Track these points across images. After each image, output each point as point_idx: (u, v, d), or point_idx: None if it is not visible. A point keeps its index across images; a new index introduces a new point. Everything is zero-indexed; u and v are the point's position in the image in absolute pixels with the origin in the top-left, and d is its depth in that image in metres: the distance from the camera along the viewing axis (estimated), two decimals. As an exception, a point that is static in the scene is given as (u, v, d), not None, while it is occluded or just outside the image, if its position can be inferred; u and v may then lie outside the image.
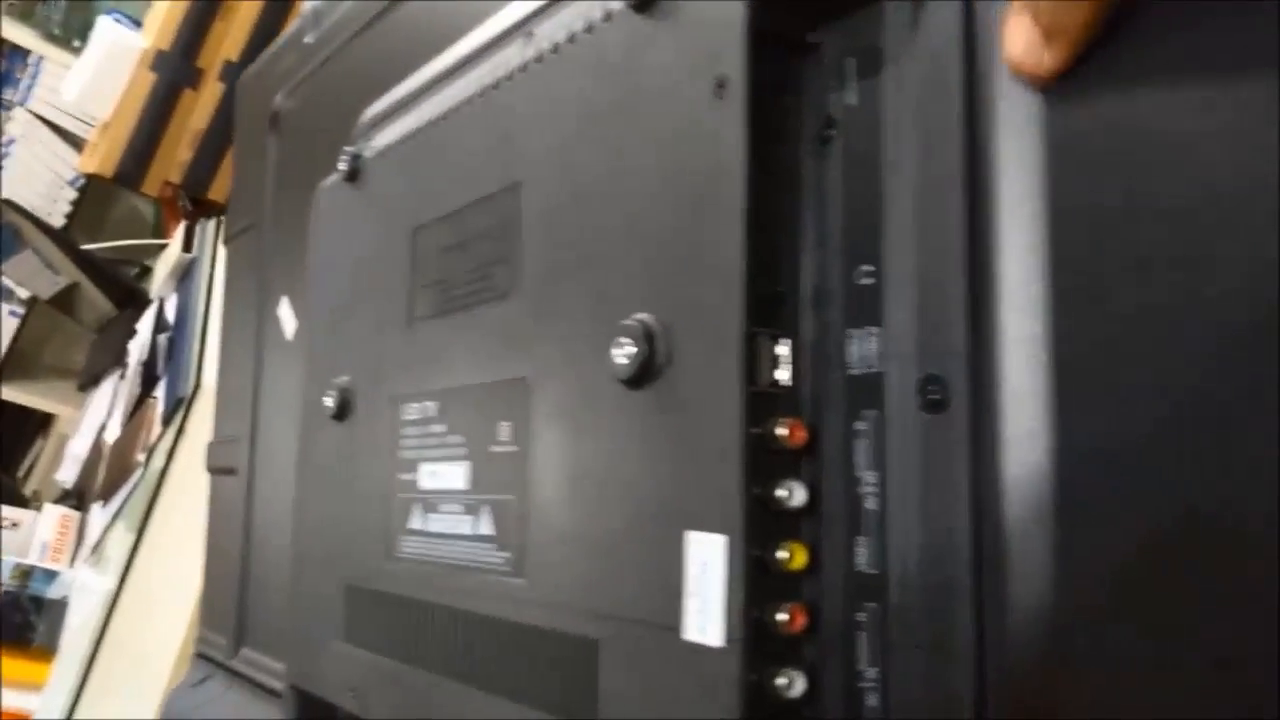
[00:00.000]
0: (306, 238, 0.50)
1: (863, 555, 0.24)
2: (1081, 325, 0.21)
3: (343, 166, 0.45)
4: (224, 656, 0.63)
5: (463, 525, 0.35)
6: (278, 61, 0.71)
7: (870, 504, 0.24)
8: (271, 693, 0.56)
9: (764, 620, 0.25)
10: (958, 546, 0.22)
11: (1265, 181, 0.20)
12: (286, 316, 0.61)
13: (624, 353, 0.28)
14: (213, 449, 0.72)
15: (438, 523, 0.36)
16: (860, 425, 0.25)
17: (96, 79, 1.59)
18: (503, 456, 0.33)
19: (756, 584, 0.24)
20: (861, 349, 0.25)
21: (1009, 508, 0.22)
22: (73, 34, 1.94)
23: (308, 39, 0.66)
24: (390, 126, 0.44)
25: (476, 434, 0.35)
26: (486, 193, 0.35)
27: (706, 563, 0.25)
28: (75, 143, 1.90)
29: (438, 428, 0.37)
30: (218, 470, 0.70)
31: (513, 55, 0.35)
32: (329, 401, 0.44)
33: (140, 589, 1.29)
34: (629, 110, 0.29)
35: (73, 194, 1.97)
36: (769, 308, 0.26)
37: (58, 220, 1.96)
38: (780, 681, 0.24)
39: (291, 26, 0.70)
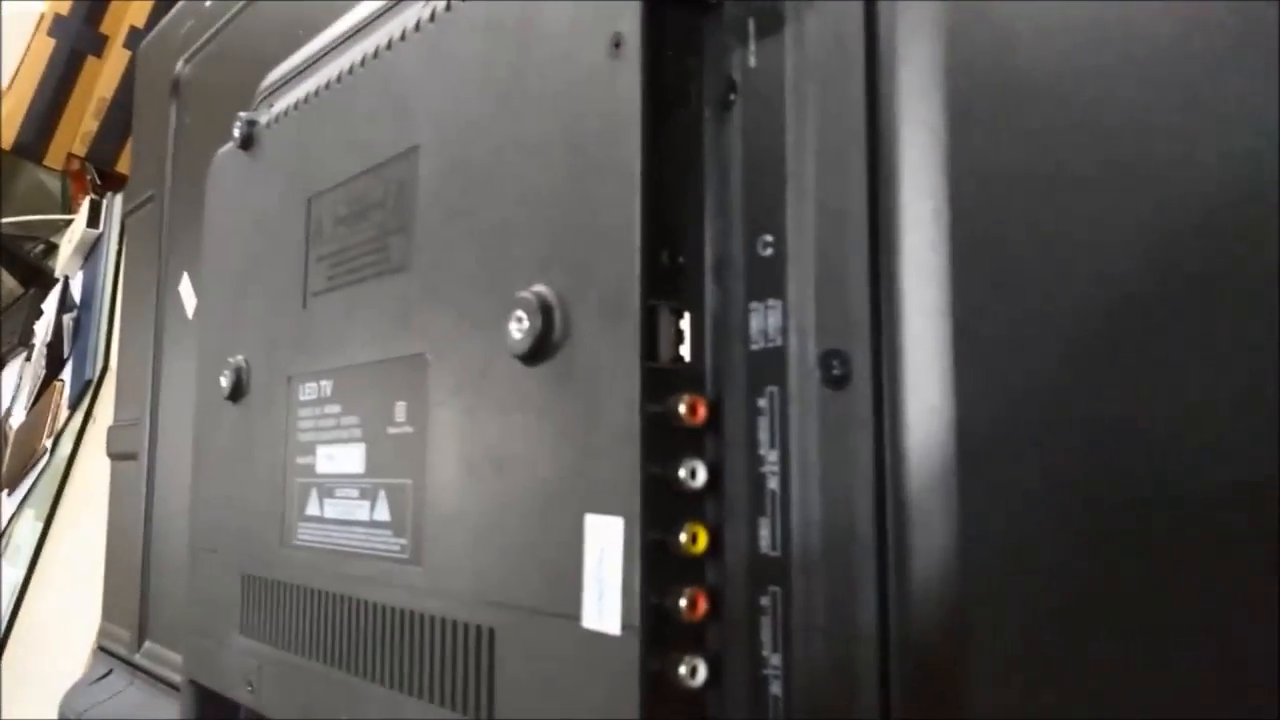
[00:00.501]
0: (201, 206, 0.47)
1: (765, 537, 0.23)
2: (984, 296, 0.21)
3: (237, 133, 0.43)
4: (126, 651, 0.61)
5: (359, 511, 0.33)
6: (178, 26, 0.67)
7: (772, 484, 0.23)
8: (173, 687, 0.54)
9: (664, 606, 0.23)
10: (860, 526, 0.21)
11: (1165, 141, 0.20)
12: (187, 294, 0.58)
13: (520, 327, 0.26)
14: (113, 434, 0.68)
15: (334, 508, 0.35)
16: (762, 402, 0.24)
17: None
18: (399, 438, 0.32)
19: (656, 568, 0.23)
20: (762, 323, 0.24)
21: (912, 484, 0.21)
22: (-35, -2, 1.84)
23: (208, 3, 0.63)
24: (288, 92, 0.42)
25: (373, 415, 0.33)
26: (383, 158, 0.34)
27: (605, 547, 0.24)
28: (-32, 117, 1.81)
29: (333, 408, 0.35)
30: (118, 456, 0.67)
31: (409, 15, 0.33)
32: (224, 381, 0.42)
33: (49, 579, 1.25)
34: (525, 70, 0.27)
35: (-33, 168, 1.87)
36: (669, 279, 0.25)
37: (-46, 195, 1.86)
38: (682, 670, 0.23)
39: (192, -11, 0.66)
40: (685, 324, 0.25)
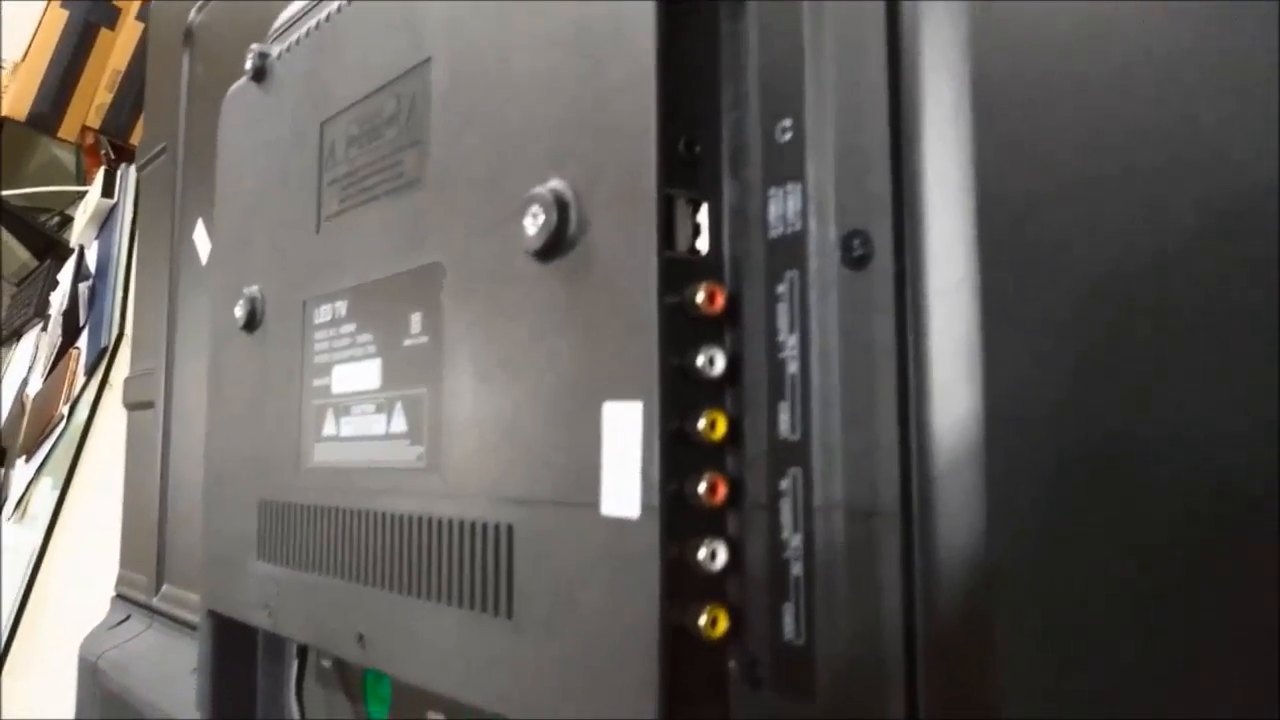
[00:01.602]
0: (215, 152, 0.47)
1: (785, 422, 0.23)
2: (1006, 169, 0.20)
3: (249, 66, 0.43)
4: (144, 595, 0.61)
5: (376, 425, 0.33)
6: (188, -24, 0.67)
7: (792, 368, 0.23)
8: (191, 628, 0.55)
9: (683, 491, 0.23)
10: (881, 403, 0.21)
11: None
12: (202, 241, 0.58)
13: (535, 223, 0.26)
14: (129, 384, 0.69)
15: (350, 426, 0.35)
16: (781, 288, 0.23)
17: (6, 18, 1.51)
18: (414, 349, 0.32)
19: (675, 453, 0.23)
20: (781, 208, 0.24)
21: (934, 361, 0.21)
22: (-21, -27, 1.84)
23: (218, -50, 0.63)
24: (299, 24, 0.42)
25: (388, 329, 0.33)
26: (395, 74, 0.33)
27: (623, 433, 0.24)
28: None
29: (348, 328, 0.35)
30: (134, 406, 0.67)
31: (421, -73, 0.33)
32: (238, 312, 0.42)
33: (67, 543, 1.26)
34: (539, -32, 0.27)
35: (-18, 141, 1.88)
36: (686, 168, 0.24)
37: (-30, 170, 1.87)
38: (701, 554, 0.23)
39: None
40: (703, 215, 0.25)
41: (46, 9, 1.48)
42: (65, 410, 1.37)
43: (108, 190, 1.50)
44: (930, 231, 0.21)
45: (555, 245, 0.26)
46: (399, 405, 0.32)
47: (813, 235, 0.23)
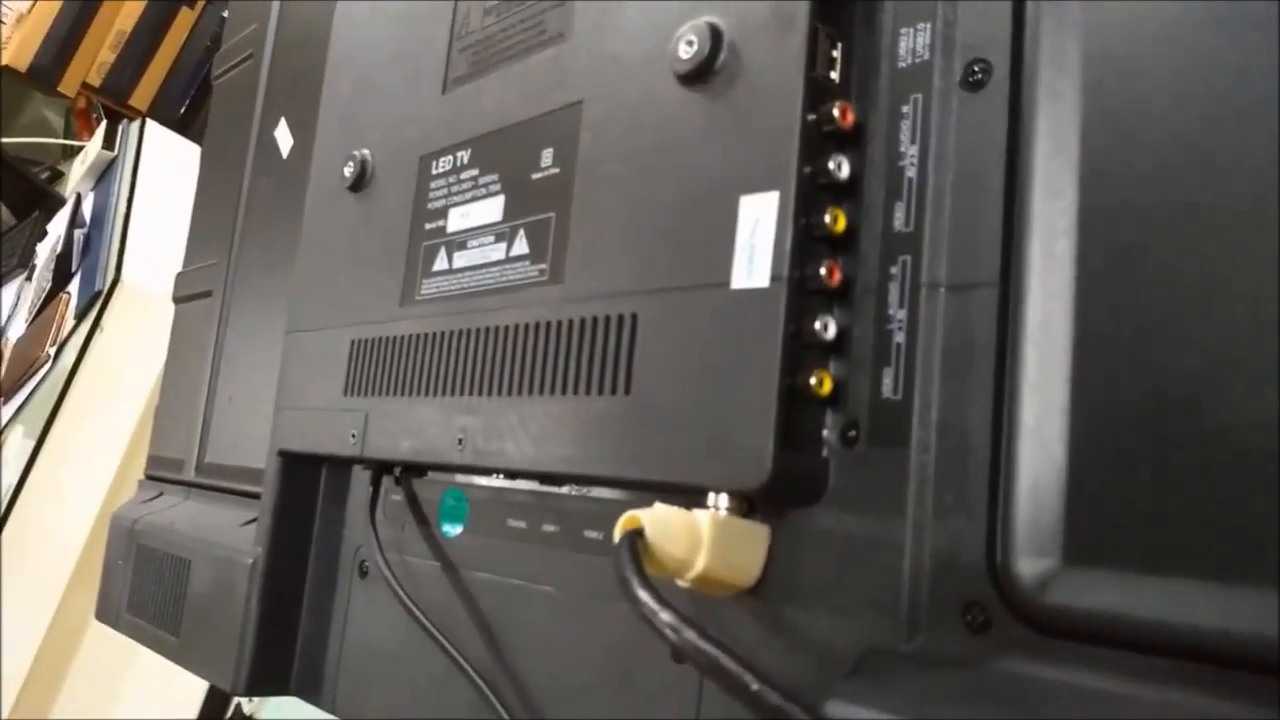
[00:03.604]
0: (307, 57, 0.51)
1: (899, 218, 0.27)
2: (1115, 4, 0.25)
3: (379, -46, 0.47)
4: (185, 473, 0.64)
5: (495, 253, 0.37)
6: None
7: (910, 173, 0.27)
8: (234, 493, 0.57)
9: (804, 273, 0.27)
10: (989, 198, 0.26)
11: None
12: (284, 137, 0.62)
13: (689, 49, 0.30)
14: (182, 278, 0.72)
15: (464, 258, 0.38)
16: (905, 108, 0.28)
17: None
18: (543, 180, 0.35)
19: (802, 239, 0.27)
20: (911, 43, 0.28)
21: (1038, 163, 0.25)
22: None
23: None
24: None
25: (516, 167, 0.37)
26: (544, -53, 0.38)
27: (759, 218, 0.28)
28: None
29: (470, 173, 0.39)
30: (186, 298, 0.70)
31: None
32: (347, 171, 0.46)
33: (44, 483, 1.27)
34: None
35: (-22, 92, 1.88)
36: (830, 8, 0.29)
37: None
38: (817, 325, 0.27)
39: None
40: (838, 52, 0.29)
41: (58, -35, 1.50)
42: (51, 352, 1.38)
43: (109, 144, 1.53)
44: (1042, 61, 0.26)
45: (703, 70, 0.30)
46: (521, 232, 0.36)
47: (938, 64, 0.27)
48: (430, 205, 0.41)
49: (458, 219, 0.39)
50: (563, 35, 0.36)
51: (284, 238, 0.57)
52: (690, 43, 0.30)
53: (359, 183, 0.45)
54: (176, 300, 0.72)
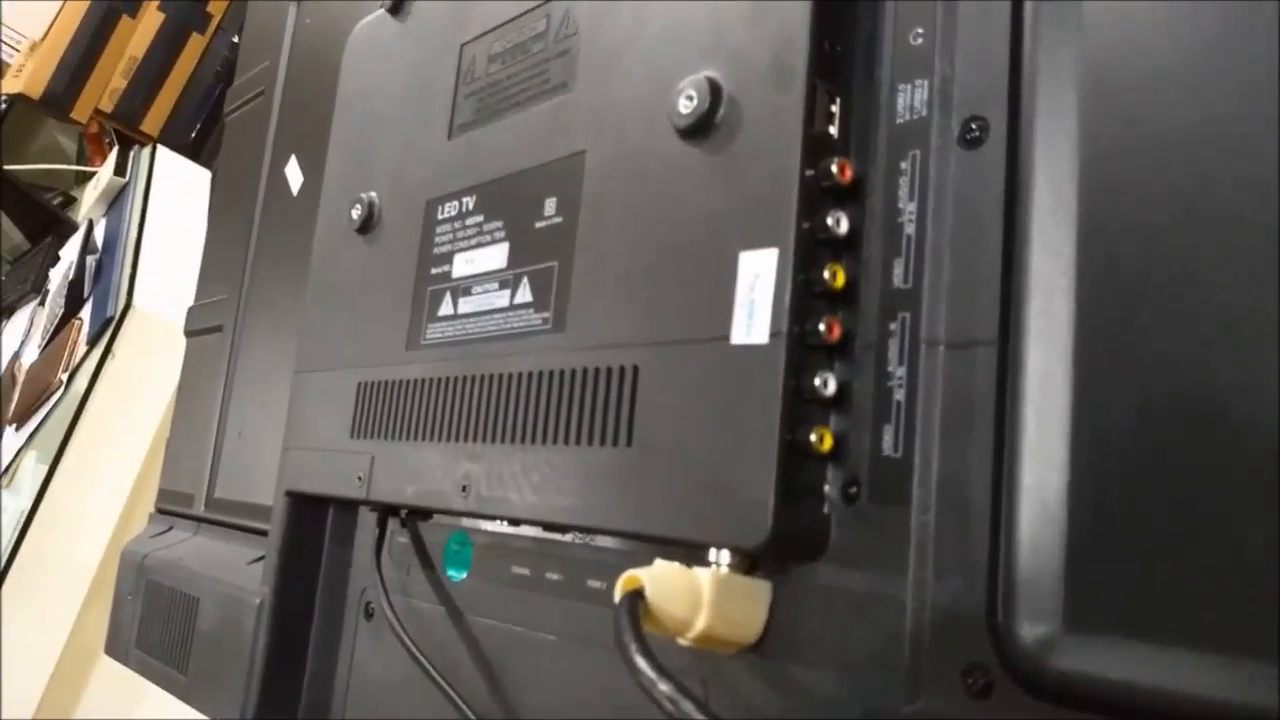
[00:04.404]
0: (317, 95, 0.52)
1: (899, 274, 0.27)
2: (1112, 59, 0.25)
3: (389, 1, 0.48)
4: (195, 507, 0.64)
5: (498, 300, 0.37)
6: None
7: (909, 230, 0.27)
8: (243, 530, 0.58)
9: (804, 329, 0.27)
10: (987, 256, 0.26)
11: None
12: (294, 174, 0.62)
13: (689, 104, 0.30)
14: (194, 312, 0.72)
15: (469, 304, 0.39)
16: (904, 164, 0.28)
17: None
18: (547, 229, 0.36)
19: (801, 294, 0.27)
20: (909, 100, 0.28)
21: (1035, 220, 0.25)
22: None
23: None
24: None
25: (519, 215, 0.37)
26: (548, -4, 0.38)
27: (758, 274, 0.28)
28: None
29: (475, 219, 0.39)
30: (198, 332, 0.71)
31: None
32: (354, 214, 0.46)
33: (57, 509, 1.27)
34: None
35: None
36: (828, 64, 0.29)
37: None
38: (816, 381, 0.27)
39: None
40: (836, 107, 0.29)
41: (71, -7, 1.51)
42: (63, 378, 1.39)
43: (120, 170, 1.54)
44: (1039, 119, 0.26)
45: (703, 124, 0.30)
46: (525, 280, 0.36)
47: (935, 121, 0.27)
48: (436, 250, 0.41)
49: (463, 264, 0.40)
50: (566, 85, 0.36)
51: (294, 275, 0.58)
52: (690, 97, 0.30)
53: (366, 225, 0.46)
54: (188, 334, 0.73)
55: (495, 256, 0.38)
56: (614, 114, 0.34)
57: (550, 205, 0.36)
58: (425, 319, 0.41)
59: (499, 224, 0.38)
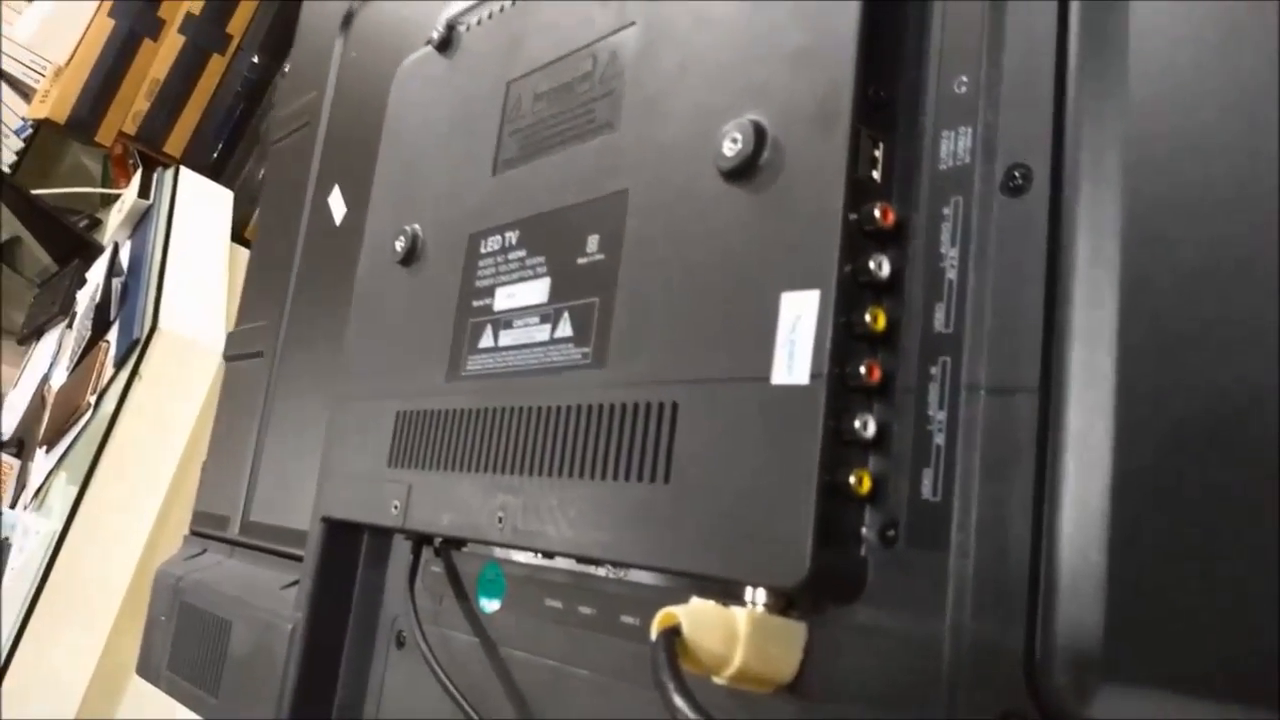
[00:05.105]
0: (361, 127, 0.53)
1: (940, 319, 0.28)
2: (1156, 108, 0.25)
3: (436, 37, 0.49)
4: (230, 530, 0.65)
5: (539, 334, 0.38)
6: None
7: (950, 275, 0.28)
8: (276, 554, 0.58)
9: (845, 371, 0.28)
10: (1029, 304, 0.26)
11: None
12: (337, 204, 0.64)
13: (733, 146, 0.31)
14: (233, 337, 0.73)
15: (510, 337, 0.39)
16: (946, 210, 0.28)
17: (52, 22, 1.58)
18: (588, 266, 0.36)
19: (842, 336, 0.28)
20: (952, 146, 0.28)
21: (1079, 269, 0.25)
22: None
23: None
24: (485, 5, 0.47)
25: (562, 251, 0.38)
26: (595, 37, 0.39)
27: (799, 315, 0.28)
28: (22, 90, 1.84)
29: (518, 254, 0.40)
30: (237, 357, 0.72)
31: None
32: (399, 246, 0.47)
33: (87, 530, 1.28)
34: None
35: (18, 144, 1.88)
36: (872, 110, 0.29)
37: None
38: (856, 423, 0.27)
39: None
40: (879, 152, 0.30)
41: (93, 18, 1.54)
42: (92, 400, 1.41)
43: (144, 192, 1.57)
44: (1082, 167, 0.26)
45: (747, 167, 0.31)
46: (566, 315, 0.37)
47: (978, 168, 0.28)
48: (478, 283, 0.42)
49: (504, 298, 0.40)
50: (611, 125, 0.37)
51: (334, 303, 0.59)
52: (735, 140, 0.31)
53: (409, 257, 0.47)
54: (227, 358, 0.74)
55: (537, 291, 0.39)
56: (658, 154, 0.34)
57: (593, 242, 0.36)
58: (466, 351, 0.41)
59: (541, 259, 0.39)
